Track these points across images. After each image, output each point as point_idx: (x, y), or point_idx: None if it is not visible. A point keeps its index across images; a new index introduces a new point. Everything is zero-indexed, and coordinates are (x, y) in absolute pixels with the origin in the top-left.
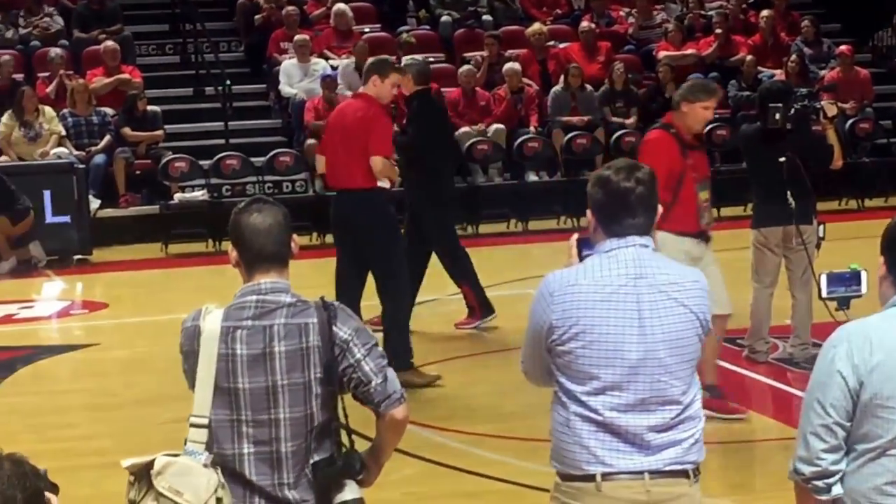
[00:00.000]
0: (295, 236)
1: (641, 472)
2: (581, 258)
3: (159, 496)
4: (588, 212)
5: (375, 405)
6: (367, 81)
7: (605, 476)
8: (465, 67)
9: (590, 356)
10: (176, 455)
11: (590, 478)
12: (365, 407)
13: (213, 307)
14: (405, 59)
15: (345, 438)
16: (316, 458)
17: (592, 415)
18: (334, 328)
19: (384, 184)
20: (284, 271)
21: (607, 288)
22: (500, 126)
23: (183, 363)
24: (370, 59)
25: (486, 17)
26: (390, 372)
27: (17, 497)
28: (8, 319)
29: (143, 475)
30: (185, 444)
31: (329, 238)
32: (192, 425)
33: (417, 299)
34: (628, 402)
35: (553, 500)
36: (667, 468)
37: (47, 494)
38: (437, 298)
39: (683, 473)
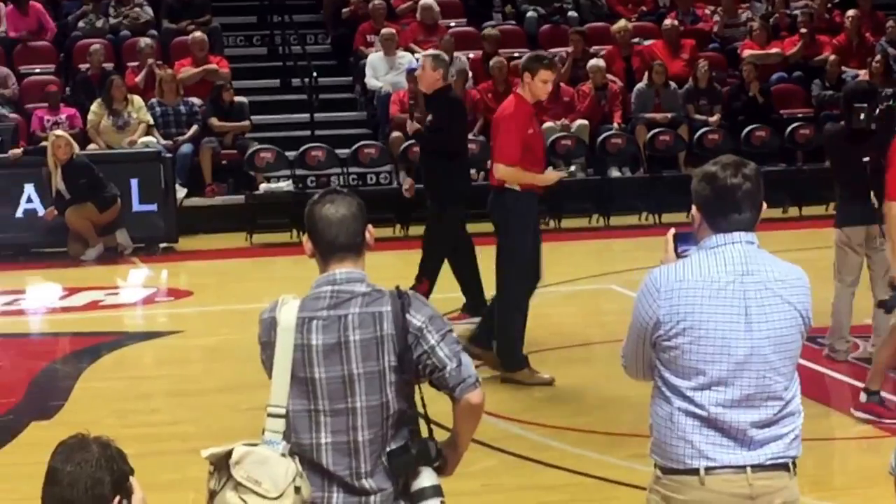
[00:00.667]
0: (370, 227)
1: (744, 467)
2: (678, 254)
3: (238, 485)
4: (693, 208)
5: (450, 390)
6: (521, 80)
7: (708, 470)
8: None
9: (696, 352)
10: (254, 444)
11: (693, 471)
12: (441, 393)
13: (289, 298)
14: (429, 53)
15: (423, 427)
16: (392, 446)
17: (697, 410)
18: (407, 316)
19: (513, 186)
20: (359, 261)
21: (714, 284)
22: (584, 122)
23: (261, 353)
24: (526, 55)
25: (572, 13)
26: (465, 357)
27: (105, 479)
28: (94, 306)
29: (222, 465)
30: (263, 433)
31: (413, 230)
32: (270, 415)
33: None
34: (733, 398)
35: (652, 492)
36: (768, 462)
37: (130, 478)
38: None
39: (784, 467)
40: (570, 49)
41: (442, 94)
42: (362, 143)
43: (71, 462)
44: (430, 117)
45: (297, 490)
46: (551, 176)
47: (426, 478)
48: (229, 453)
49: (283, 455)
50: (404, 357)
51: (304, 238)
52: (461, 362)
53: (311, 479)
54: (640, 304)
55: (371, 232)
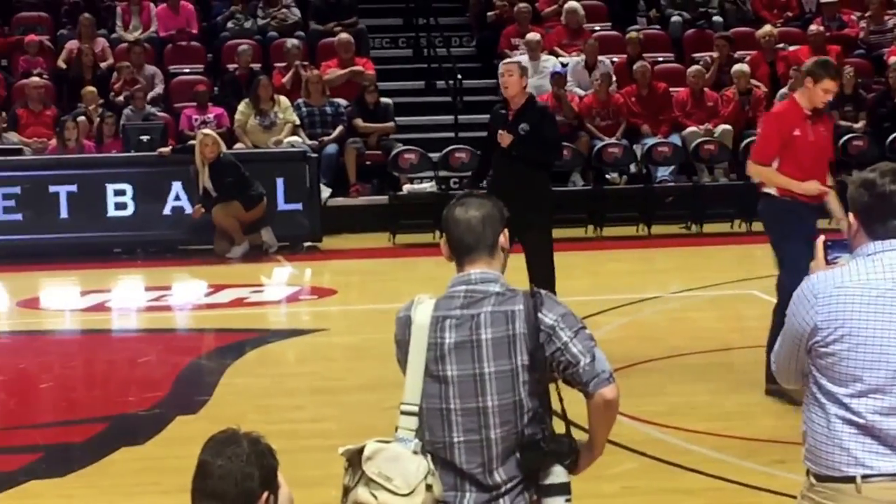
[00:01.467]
0: (505, 231)
1: None
2: (828, 261)
3: (369, 481)
4: (850, 214)
5: (584, 385)
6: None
7: (865, 478)
8: (694, 68)
9: (854, 359)
10: (387, 441)
11: (849, 479)
12: (575, 389)
13: (425, 297)
14: (513, 61)
15: (558, 425)
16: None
17: (854, 417)
18: (539, 314)
19: (769, 190)
20: (493, 262)
21: (873, 291)
22: (728, 127)
23: (396, 352)
24: (809, 60)
25: (717, 19)
26: (599, 352)
27: (254, 474)
28: (239, 303)
29: (355, 461)
30: (396, 430)
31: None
32: (403, 412)
33: (637, 297)
34: (891, 406)
35: (805, 499)
36: None
37: (278, 473)
38: (660, 296)
39: None
40: (714, 54)
41: (533, 103)
42: None
43: (222, 456)
44: (523, 125)
45: (429, 488)
46: (809, 186)
47: (556, 475)
48: (362, 449)
49: (416, 452)
50: (536, 355)
51: (442, 241)
52: (595, 357)
53: (443, 477)
54: (796, 310)
55: (506, 235)
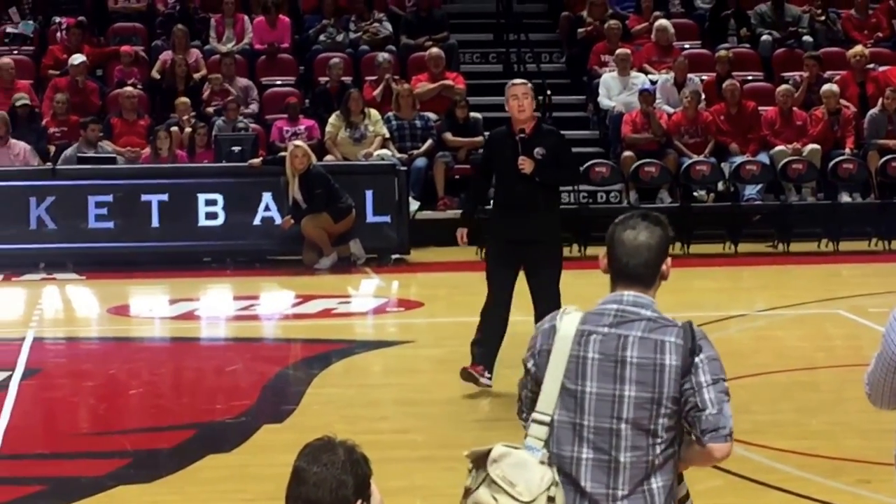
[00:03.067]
0: (669, 259)
1: None
2: None
3: (492, 483)
4: None
5: (701, 433)
6: None
7: None
8: (784, 87)
9: None
10: (515, 447)
11: None
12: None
13: (571, 309)
14: (525, 81)
15: None
16: (659, 476)
17: None
18: (694, 352)
19: None
20: (650, 289)
21: None
22: (816, 146)
23: (526, 361)
24: None
25: (807, 38)
26: (727, 408)
27: (349, 482)
28: (326, 313)
29: (480, 463)
30: (525, 438)
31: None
32: (535, 421)
33: (723, 314)
34: None
35: None
36: None
37: (371, 482)
38: (746, 314)
39: None
40: (804, 73)
41: (543, 126)
42: (594, 161)
43: (318, 463)
44: (539, 150)
45: (551, 500)
46: None
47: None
48: (489, 451)
49: (542, 462)
50: (679, 389)
51: (602, 254)
52: (722, 411)
53: (565, 492)
54: (890, 334)
55: (668, 264)
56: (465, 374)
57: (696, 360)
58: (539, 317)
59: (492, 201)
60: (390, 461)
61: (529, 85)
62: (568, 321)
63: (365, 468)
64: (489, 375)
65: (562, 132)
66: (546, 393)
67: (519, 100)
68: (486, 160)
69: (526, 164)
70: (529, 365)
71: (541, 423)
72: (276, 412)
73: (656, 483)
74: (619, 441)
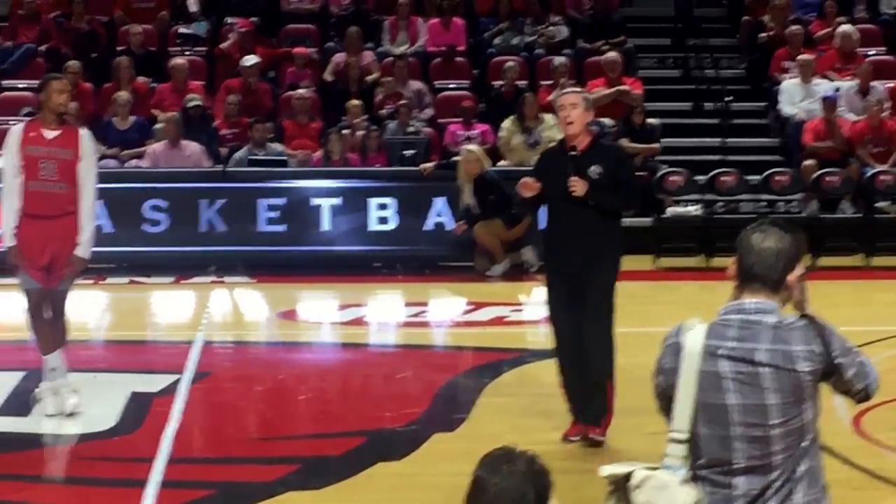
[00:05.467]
0: (801, 270)
1: None
2: None
3: None
4: None
5: (855, 397)
6: None
7: None
8: None
9: None
10: (654, 469)
11: None
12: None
13: (694, 323)
14: (576, 90)
15: None
16: (802, 464)
17: None
18: (829, 350)
19: None
20: (775, 295)
21: None
22: None
23: (656, 377)
24: None
25: None
26: (867, 367)
27: (529, 494)
28: (498, 321)
29: (621, 486)
30: (664, 458)
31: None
32: (672, 440)
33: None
34: None
35: None
36: None
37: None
38: None
39: None
40: None
41: (600, 141)
42: (774, 169)
43: (498, 473)
44: (595, 168)
45: None
46: None
47: None
48: (629, 476)
49: (684, 482)
50: (815, 383)
51: (731, 261)
52: (867, 375)
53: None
54: None
55: (797, 275)
56: (593, 442)
57: (834, 358)
58: (591, 364)
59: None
60: (560, 472)
61: (583, 94)
62: (693, 337)
63: (545, 480)
64: (599, 431)
65: (624, 149)
66: (679, 411)
67: (566, 111)
68: (538, 177)
69: (578, 186)
70: (658, 380)
71: (678, 441)
72: (446, 421)
73: (800, 470)
74: (770, 446)
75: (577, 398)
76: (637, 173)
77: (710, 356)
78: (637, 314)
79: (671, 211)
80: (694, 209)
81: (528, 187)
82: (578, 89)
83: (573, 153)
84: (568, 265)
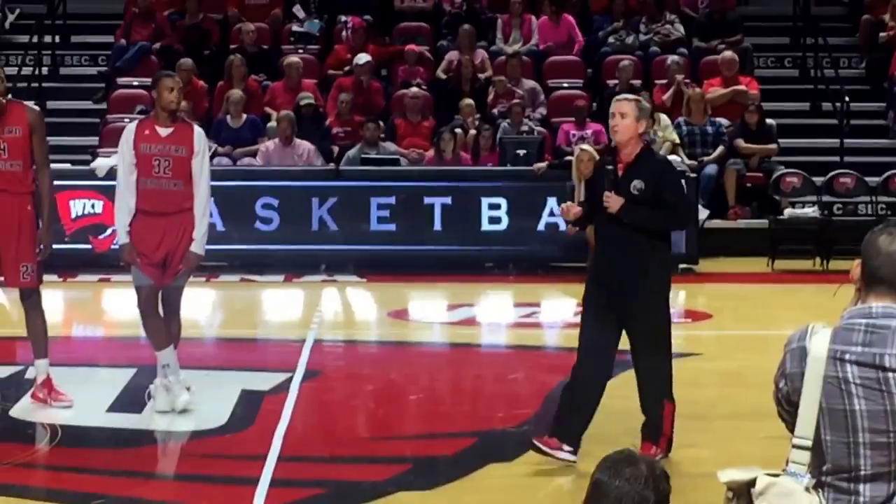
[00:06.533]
0: None
1: None
2: None
3: None
4: None
5: None
6: None
7: None
8: None
9: None
10: (776, 475)
11: None
12: None
13: (819, 327)
14: (629, 97)
15: None
16: None
17: None
18: None
19: None
20: None
21: None
22: None
23: (778, 382)
24: None
25: None
26: None
27: (650, 498)
28: None
29: (742, 493)
30: (787, 464)
31: None
32: (795, 446)
33: None
34: None
35: None
36: None
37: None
38: None
39: None
40: None
41: (650, 154)
42: (893, 171)
43: (620, 476)
44: (637, 183)
45: None
46: None
47: None
48: (752, 482)
49: (808, 489)
50: None
51: (855, 264)
52: None
53: None
54: None
55: None
56: (534, 447)
57: None
58: (640, 399)
59: None
60: (674, 477)
61: (634, 101)
62: (818, 341)
63: (665, 484)
64: (569, 449)
65: (672, 165)
66: (804, 417)
67: (614, 119)
68: (588, 189)
69: (611, 201)
70: (781, 385)
71: (802, 447)
72: None
73: None
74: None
75: (566, 409)
76: (751, 174)
77: (835, 361)
78: (753, 317)
79: (788, 213)
80: (811, 211)
81: (566, 212)
82: (633, 97)
83: (610, 167)
84: (605, 278)
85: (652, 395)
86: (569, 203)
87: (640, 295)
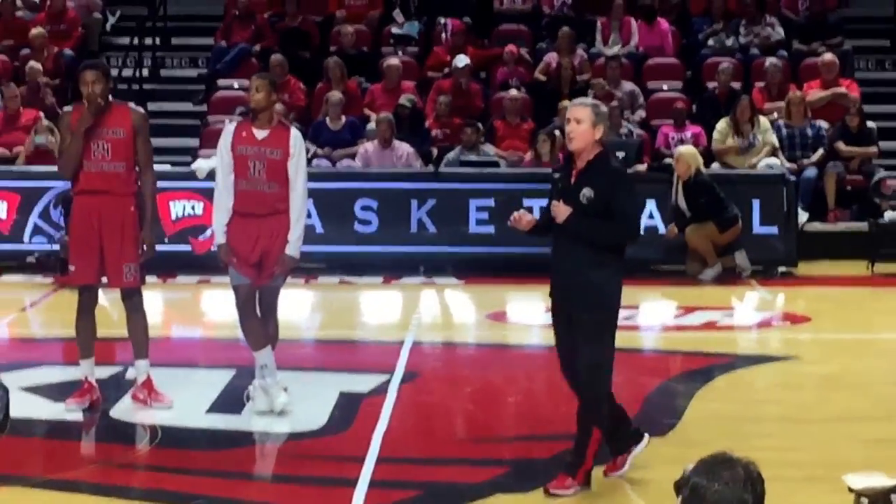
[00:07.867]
0: None
1: None
2: None
3: None
4: None
5: None
6: None
7: None
8: None
9: None
10: None
11: None
12: None
13: None
14: (587, 102)
15: None
16: None
17: None
18: None
19: None
20: None
21: None
22: None
23: None
24: None
25: None
26: None
27: (748, 501)
28: (710, 326)
29: (879, 499)
30: None
31: None
32: None
33: None
34: None
35: None
36: None
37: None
38: None
39: None
40: None
41: (605, 161)
42: None
43: (718, 479)
44: (586, 191)
45: None
46: None
47: None
48: (889, 490)
49: None
50: None
51: None
52: None
53: None
54: None
55: None
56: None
57: None
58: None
59: None
60: (774, 480)
61: (591, 106)
62: None
63: (761, 487)
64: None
65: (623, 171)
66: None
67: (570, 125)
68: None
69: (559, 211)
70: None
71: None
72: (658, 425)
73: None
74: None
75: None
76: (851, 177)
77: None
78: (852, 321)
79: (889, 216)
80: None
81: (517, 220)
82: (589, 101)
83: (556, 174)
84: (557, 294)
85: (583, 420)
86: (521, 211)
87: (581, 319)
